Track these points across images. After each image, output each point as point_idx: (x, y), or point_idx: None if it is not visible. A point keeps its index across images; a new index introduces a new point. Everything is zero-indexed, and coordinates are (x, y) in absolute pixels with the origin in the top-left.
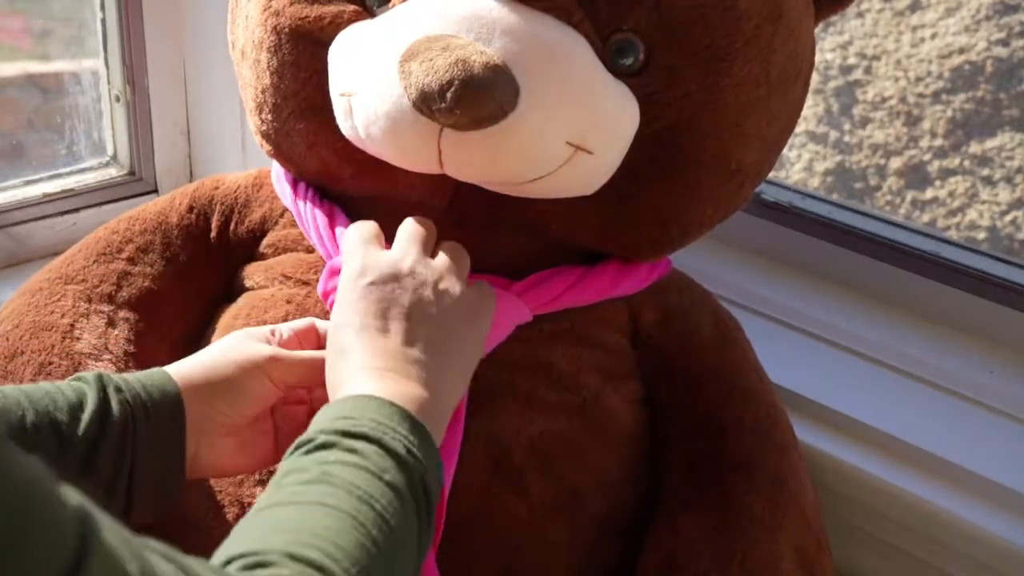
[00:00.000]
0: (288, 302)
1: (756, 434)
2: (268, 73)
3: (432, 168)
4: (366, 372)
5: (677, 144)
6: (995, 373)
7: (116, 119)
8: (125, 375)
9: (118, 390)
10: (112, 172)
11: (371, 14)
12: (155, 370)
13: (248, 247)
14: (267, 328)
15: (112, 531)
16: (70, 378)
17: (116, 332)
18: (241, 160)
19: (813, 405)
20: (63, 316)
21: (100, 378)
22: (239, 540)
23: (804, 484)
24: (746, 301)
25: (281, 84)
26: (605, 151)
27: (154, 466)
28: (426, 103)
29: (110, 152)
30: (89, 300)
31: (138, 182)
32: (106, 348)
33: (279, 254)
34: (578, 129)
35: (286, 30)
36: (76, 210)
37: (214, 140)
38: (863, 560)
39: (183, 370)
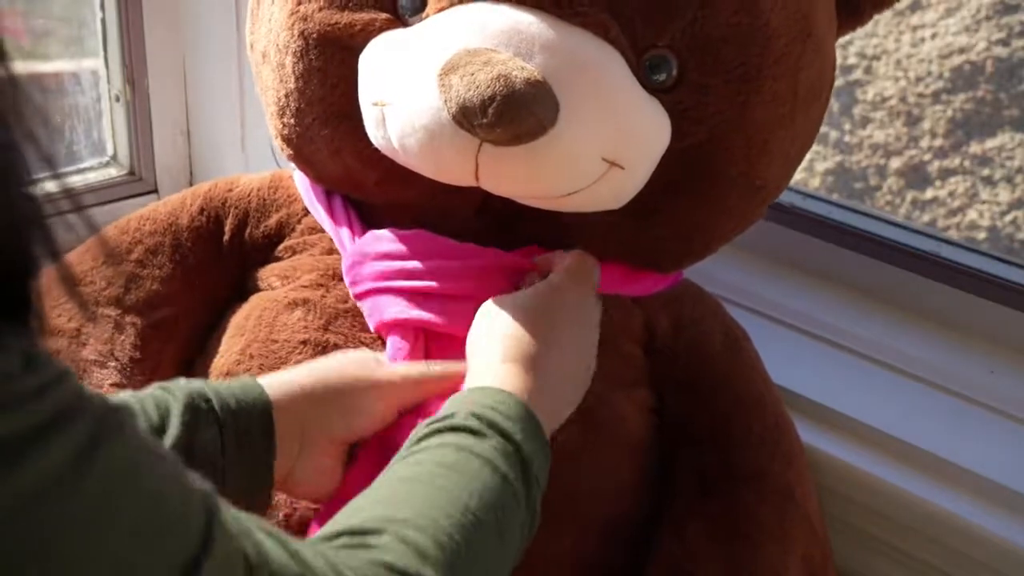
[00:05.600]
0: (304, 303)
1: (765, 444)
2: (293, 78)
3: (467, 181)
4: (522, 369)
5: (705, 160)
6: (995, 373)
7: (116, 119)
8: (214, 384)
9: (206, 400)
10: (112, 172)
11: (404, 23)
12: (246, 378)
13: (264, 251)
14: (372, 355)
15: (229, 514)
16: (154, 386)
17: (123, 338)
18: (241, 160)
19: (813, 405)
20: (69, 320)
21: (188, 392)
22: (359, 511)
23: (810, 492)
24: (746, 301)
25: (306, 89)
26: (637, 167)
27: (243, 471)
28: (467, 118)
29: (110, 152)
30: (96, 303)
31: (138, 182)
32: (112, 355)
33: (295, 256)
34: (613, 145)
35: (314, 35)
36: (75, 210)
37: (214, 140)
38: (863, 560)
39: (289, 378)
